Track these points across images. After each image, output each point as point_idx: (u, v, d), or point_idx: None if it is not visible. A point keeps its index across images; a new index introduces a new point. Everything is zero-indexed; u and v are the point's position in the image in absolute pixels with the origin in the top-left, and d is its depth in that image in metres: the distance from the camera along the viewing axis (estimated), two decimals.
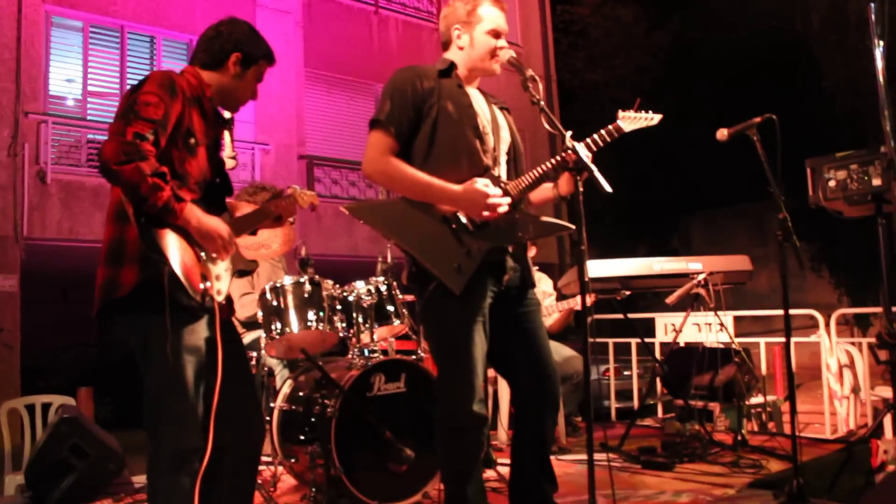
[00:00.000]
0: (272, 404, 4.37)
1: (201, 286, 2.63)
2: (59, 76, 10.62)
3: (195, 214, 2.62)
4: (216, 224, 2.69)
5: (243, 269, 2.97)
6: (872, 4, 3.64)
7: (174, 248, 2.55)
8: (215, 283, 2.71)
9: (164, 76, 2.69)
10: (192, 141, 2.74)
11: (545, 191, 3.07)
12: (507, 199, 2.83)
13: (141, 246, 2.52)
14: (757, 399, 5.89)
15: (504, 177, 2.98)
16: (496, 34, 3.01)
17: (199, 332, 2.67)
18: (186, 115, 2.71)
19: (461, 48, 3.05)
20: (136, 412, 2.66)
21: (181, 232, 2.60)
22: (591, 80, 21.56)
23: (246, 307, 4.72)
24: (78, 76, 10.73)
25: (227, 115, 2.98)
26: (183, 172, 2.69)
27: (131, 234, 2.56)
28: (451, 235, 2.83)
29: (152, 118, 2.54)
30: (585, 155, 2.71)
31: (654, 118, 3.07)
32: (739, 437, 4.94)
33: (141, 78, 2.71)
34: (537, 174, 2.89)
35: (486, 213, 2.81)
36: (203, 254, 2.68)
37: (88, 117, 10.60)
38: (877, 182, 3.94)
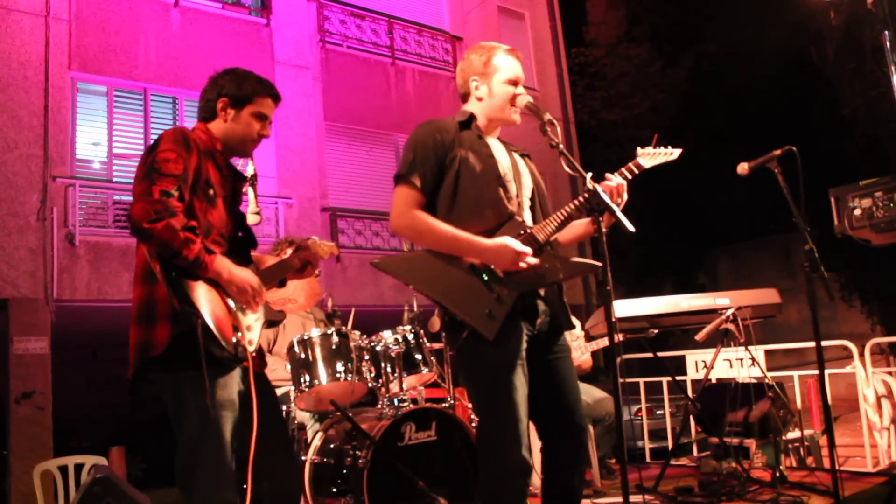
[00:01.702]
0: (304, 457, 4.36)
1: (233, 337, 2.64)
2: (85, 140, 10.78)
3: (226, 266, 2.65)
4: (247, 275, 2.72)
5: (272, 320, 2.99)
6: (887, 32, 3.65)
7: (205, 300, 2.57)
8: (247, 333, 2.73)
9: (177, 132, 2.74)
10: (211, 192, 2.78)
11: (576, 228, 3.04)
12: (535, 261, 2.79)
13: (171, 303, 2.54)
14: (794, 434, 5.77)
15: (529, 222, 2.97)
16: (514, 82, 3.03)
17: (232, 386, 2.68)
18: (203, 167, 2.76)
19: (479, 99, 3.07)
20: (168, 470, 2.65)
21: (211, 284, 2.63)
22: (608, 120, 21.64)
23: None
24: (103, 139, 10.89)
25: (250, 170, 3.03)
26: (206, 223, 2.73)
27: (160, 293, 2.59)
28: (480, 283, 2.80)
29: (174, 173, 2.59)
30: (606, 195, 2.70)
31: (673, 153, 3.04)
32: (778, 474, 4.84)
33: None
34: (561, 216, 2.87)
35: (512, 267, 2.78)
36: (234, 305, 2.70)
37: (114, 179, 10.72)
38: None
